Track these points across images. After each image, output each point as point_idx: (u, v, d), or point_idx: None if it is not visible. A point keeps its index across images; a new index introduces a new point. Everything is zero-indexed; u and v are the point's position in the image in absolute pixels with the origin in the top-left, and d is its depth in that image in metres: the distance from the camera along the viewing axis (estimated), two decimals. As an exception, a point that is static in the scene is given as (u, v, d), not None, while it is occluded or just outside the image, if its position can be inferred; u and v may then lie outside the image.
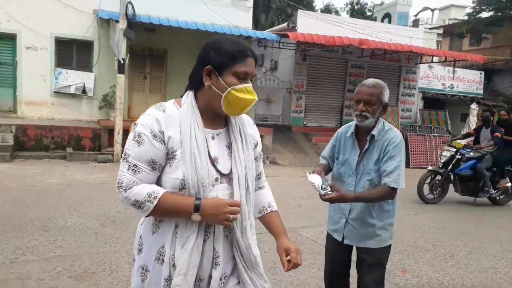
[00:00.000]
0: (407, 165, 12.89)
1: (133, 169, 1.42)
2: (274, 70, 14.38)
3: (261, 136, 12.28)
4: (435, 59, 15.39)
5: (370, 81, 2.41)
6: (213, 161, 1.45)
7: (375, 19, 23.42)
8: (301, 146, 13.36)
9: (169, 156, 1.43)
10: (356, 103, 2.43)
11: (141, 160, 1.41)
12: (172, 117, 1.45)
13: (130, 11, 9.40)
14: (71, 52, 11.38)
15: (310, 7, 27.75)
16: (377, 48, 12.74)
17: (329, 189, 2.28)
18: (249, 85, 1.44)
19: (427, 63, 15.92)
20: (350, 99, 14.72)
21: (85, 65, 11.47)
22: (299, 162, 11.99)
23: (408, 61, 15.62)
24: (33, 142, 9.73)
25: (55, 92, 11.14)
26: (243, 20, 12.68)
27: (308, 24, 13.38)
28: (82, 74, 11.30)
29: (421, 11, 26.83)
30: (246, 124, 1.61)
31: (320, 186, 2.27)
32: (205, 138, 1.46)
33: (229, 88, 1.40)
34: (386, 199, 2.40)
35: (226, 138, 1.53)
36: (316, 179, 2.32)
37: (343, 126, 2.67)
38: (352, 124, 2.54)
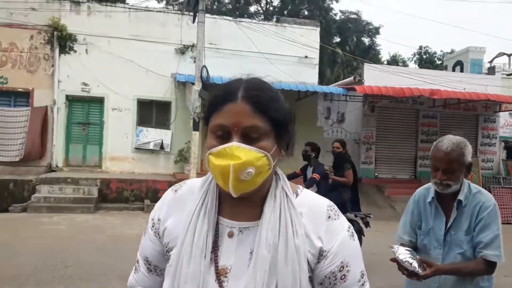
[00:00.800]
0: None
1: (135, 266, 1.15)
2: (341, 122, 14.37)
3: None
4: (516, 106, 14.47)
5: (447, 143, 2.03)
6: (219, 275, 0.95)
7: (445, 68, 22.86)
8: (373, 199, 12.91)
9: (166, 256, 1.03)
10: (433, 170, 2.09)
11: (140, 256, 1.12)
12: (184, 199, 1.05)
13: (204, 74, 10.14)
14: (151, 112, 12.39)
15: (376, 59, 27.86)
16: (450, 98, 12.33)
17: (418, 264, 1.94)
18: (228, 145, 0.91)
19: (507, 110, 14.99)
20: (423, 149, 14.14)
21: (163, 123, 12.37)
22: (373, 216, 11.52)
23: (486, 109, 14.84)
24: (115, 194, 10.47)
25: (135, 148, 12.06)
26: (309, 76, 13.07)
27: (375, 76, 13.40)
28: (160, 131, 12.19)
29: (496, 57, 25.67)
30: (308, 215, 0.99)
31: (410, 263, 1.92)
32: (213, 233, 0.97)
33: (207, 153, 0.97)
34: (483, 274, 2.08)
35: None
36: (404, 253, 1.97)
37: (419, 189, 2.30)
38: (430, 187, 2.20)
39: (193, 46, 11.71)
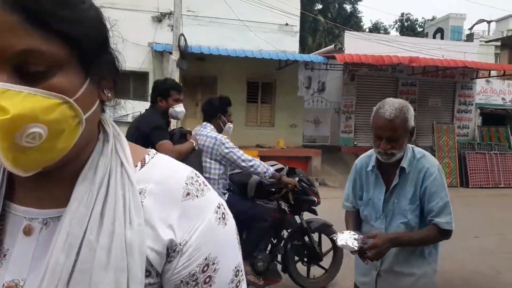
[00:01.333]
0: (466, 185, 12.29)
1: None
2: (322, 92, 14.40)
3: (309, 157, 12.35)
4: (493, 73, 14.70)
5: (389, 110, 1.88)
6: None
7: (426, 35, 22.90)
8: (351, 166, 13.13)
9: None
10: (376, 139, 1.96)
11: None
12: None
13: (182, 43, 9.91)
14: (128, 83, 12.13)
15: (358, 27, 27.68)
16: (428, 65, 12.42)
17: (363, 242, 1.88)
18: None
19: (484, 77, 15.23)
20: (402, 118, 14.39)
21: (141, 95, 12.15)
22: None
23: (463, 76, 15.03)
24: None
25: (114, 121, 11.84)
26: (290, 45, 12.92)
27: (356, 45, 13.34)
28: (138, 103, 11.96)
29: (476, 23, 25.78)
30: (154, 194, 0.66)
31: (352, 244, 1.85)
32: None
33: None
34: (436, 242, 2.01)
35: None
36: (344, 238, 1.89)
37: (361, 156, 2.21)
38: (372, 154, 2.08)
39: (170, 13, 11.37)
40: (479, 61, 13.59)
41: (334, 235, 2.00)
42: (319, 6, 29.16)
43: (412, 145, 2.06)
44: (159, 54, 11.67)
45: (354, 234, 1.92)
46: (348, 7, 30.38)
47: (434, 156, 15.21)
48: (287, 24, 13.10)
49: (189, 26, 10.88)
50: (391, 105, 1.90)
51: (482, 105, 15.70)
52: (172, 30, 10.41)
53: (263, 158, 11.00)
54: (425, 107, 14.65)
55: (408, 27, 33.59)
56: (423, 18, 33.87)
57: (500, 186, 12.07)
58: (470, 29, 23.16)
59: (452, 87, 15.22)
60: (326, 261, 4.02)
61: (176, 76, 9.84)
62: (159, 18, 12.01)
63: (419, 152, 2.03)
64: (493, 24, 28.13)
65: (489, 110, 15.78)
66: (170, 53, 10.13)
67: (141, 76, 12.08)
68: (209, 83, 12.73)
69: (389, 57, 11.65)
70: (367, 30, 30.44)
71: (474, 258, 5.31)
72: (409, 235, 1.96)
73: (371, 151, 2.10)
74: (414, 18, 34.52)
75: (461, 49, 14.97)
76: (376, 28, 33.23)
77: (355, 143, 14.33)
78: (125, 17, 11.53)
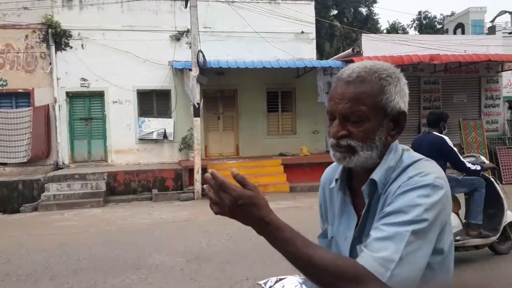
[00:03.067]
0: (499, 182, 11.78)
1: None
2: (343, 96, 14.28)
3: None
4: (519, 64, 14.24)
5: (351, 69, 1.11)
6: None
7: (446, 32, 22.48)
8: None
9: None
10: (330, 122, 1.13)
11: None
12: None
13: (201, 59, 10.08)
14: (152, 102, 12.40)
15: (375, 29, 27.42)
16: (450, 62, 12.17)
17: None
18: None
19: (510, 70, 14.76)
20: (426, 117, 14.09)
21: (164, 112, 12.39)
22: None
23: (488, 70, 14.62)
24: (123, 186, 10.60)
25: (139, 139, 12.13)
26: (307, 52, 12.95)
27: (374, 47, 13.22)
28: (162, 120, 12.22)
29: (497, 15, 25.11)
30: None
31: None
32: None
33: None
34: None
35: None
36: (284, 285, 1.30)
37: (328, 168, 1.31)
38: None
39: (187, 31, 11.62)
40: (504, 54, 13.20)
41: (261, 282, 1.27)
42: (334, 12, 29.07)
43: (405, 147, 1.18)
44: (180, 72, 11.89)
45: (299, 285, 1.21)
46: (363, 10, 30.16)
47: (463, 154, 14.63)
48: (302, 32, 13.14)
49: (206, 42, 11.07)
50: (358, 65, 1.12)
51: (510, 98, 15.21)
52: (190, 47, 10.62)
53: (288, 166, 11.03)
54: (450, 105, 14.30)
55: (426, 25, 33.01)
56: (441, 14, 33.30)
57: (535, 180, 11.59)
58: (492, 21, 22.54)
59: (477, 82, 14.81)
60: None
61: (197, 91, 9.99)
62: (177, 37, 12.29)
63: (410, 158, 1.11)
64: (516, 15, 27.27)
65: (518, 102, 15.27)
66: (190, 69, 10.31)
67: (164, 94, 12.32)
68: (230, 96, 12.86)
69: (409, 57, 11.48)
70: (385, 31, 30.10)
71: (510, 258, 5.12)
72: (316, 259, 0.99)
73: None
74: (432, 16, 33.84)
75: (483, 42, 14.58)
76: (394, 29, 32.80)
77: (381, 145, 14.11)
78: (145, 38, 11.89)
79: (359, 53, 13.02)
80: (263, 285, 1.24)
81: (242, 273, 4.70)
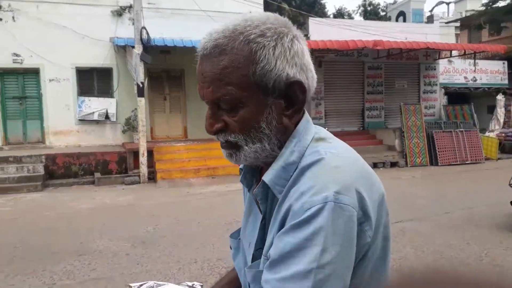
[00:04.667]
0: (436, 163, 12.65)
1: None
2: (291, 79, 14.42)
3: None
4: (454, 53, 15.11)
5: (211, 35, 0.83)
6: None
7: (389, 19, 23.28)
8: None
9: None
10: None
11: None
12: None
13: (144, 35, 9.66)
14: (92, 80, 11.76)
15: (322, 13, 27.77)
16: (392, 48, 12.63)
17: None
18: None
19: (446, 58, 15.64)
20: (370, 101, 14.59)
21: (106, 91, 11.81)
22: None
23: (426, 57, 15.39)
24: (62, 170, 10.04)
25: (79, 120, 11.50)
26: (255, 33, 12.83)
27: (321, 31, 13.41)
28: (103, 100, 11.64)
29: (436, 5, 26.46)
30: None
31: None
32: None
33: None
34: None
35: None
36: None
37: None
38: None
39: (130, 7, 11.07)
40: (441, 42, 13.92)
41: (133, 285, 1.06)
42: (283, -6, 29.05)
43: (319, 132, 0.91)
44: (122, 49, 11.35)
45: None
46: (311, -6, 30.42)
47: (403, 137, 15.46)
48: (250, 13, 12.97)
49: (150, 19, 10.61)
50: (218, 28, 0.84)
51: (446, 84, 16.15)
52: (133, 23, 10.12)
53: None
54: (392, 89, 14.93)
55: (371, 12, 34.02)
56: (384, 1, 34.37)
57: (467, 162, 12.47)
58: (431, 11, 23.71)
59: (417, 69, 15.57)
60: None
61: (140, 69, 9.59)
62: (119, 12, 11.68)
63: (312, 154, 0.82)
64: (452, 6, 28.88)
65: (453, 89, 16.26)
66: (133, 47, 9.86)
67: (105, 72, 11.73)
68: (176, 76, 12.51)
69: (354, 42, 11.76)
70: (331, 16, 30.63)
71: (445, 232, 5.46)
72: None
73: None
74: (377, 3, 34.99)
75: (423, 30, 15.30)
76: (340, 14, 33.48)
77: (326, 128, 14.42)
78: (84, 13, 11.17)
79: (306, 37, 13.13)
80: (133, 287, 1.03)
81: (190, 256, 4.63)
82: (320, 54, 13.69)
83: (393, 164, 11.99)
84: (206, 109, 0.84)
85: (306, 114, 0.89)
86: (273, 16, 0.83)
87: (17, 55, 10.99)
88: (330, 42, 11.55)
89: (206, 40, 0.82)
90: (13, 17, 10.92)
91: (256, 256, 0.87)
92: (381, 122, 14.80)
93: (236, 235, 1.02)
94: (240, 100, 0.79)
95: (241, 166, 0.96)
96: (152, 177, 9.91)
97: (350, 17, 33.24)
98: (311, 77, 0.84)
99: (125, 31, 11.24)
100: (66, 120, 11.40)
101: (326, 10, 31.96)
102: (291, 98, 0.82)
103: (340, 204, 0.71)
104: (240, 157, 0.85)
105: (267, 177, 0.83)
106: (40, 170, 9.67)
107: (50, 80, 11.28)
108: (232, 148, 0.85)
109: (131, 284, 1.00)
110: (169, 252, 4.79)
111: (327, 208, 0.71)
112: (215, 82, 0.79)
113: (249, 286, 0.86)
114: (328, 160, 0.78)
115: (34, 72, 11.24)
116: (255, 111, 0.80)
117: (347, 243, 0.72)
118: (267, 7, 16.40)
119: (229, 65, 0.78)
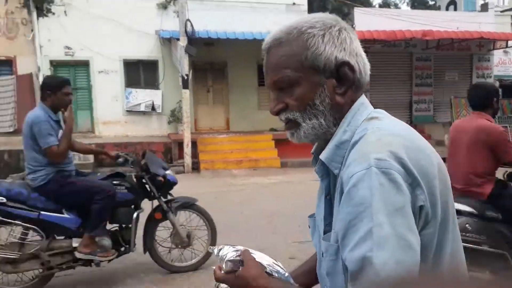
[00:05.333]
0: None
1: None
2: (334, 71, 14.15)
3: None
4: (510, 43, 14.21)
5: (272, 34, 0.97)
6: None
7: (438, 8, 22.25)
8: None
9: None
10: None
11: None
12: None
13: (189, 28, 9.77)
14: (139, 73, 12.08)
15: (367, 3, 27.02)
16: (443, 38, 12.06)
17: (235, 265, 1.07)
18: None
19: (502, 48, 14.73)
20: (418, 93, 14.05)
21: (152, 83, 12.10)
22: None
23: (479, 48, 14.58)
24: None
25: (127, 111, 11.87)
26: (299, 24, 12.67)
27: (367, 21, 13.00)
28: (150, 92, 11.94)
29: (490, -7, 24.95)
30: None
31: (225, 265, 1.08)
32: None
33: None
34: None
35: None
36: (223, 253, 1.11)
37: None
38: None
39: None
40: (496, 32, 13.13)
41: (212, 248, 1.15)
42: (327, -16, 28.52)
43: (374, 113, 0.96)
44: (167, 41, 11.55)
45: (237, 251, 1.10)
46: (356, -17, 29.67)
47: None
48: (294, 4, 12.83)
49: (195, 11, 10.70)
50: (278, 28, 0.97)
51: (501, 77, 15.26)
52: (178, 16, 10.26)
53: (279, 142, 10.94)
54: (441, 82, 14.29)
55: (419, 1, 32.72)
56: (434, -10, 32.86)
57: (522, 159, 11.76)
58: (485, -1, 22.41)
59: (469, 60, 14.79)
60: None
61: (185, 62, 9.73)
62: (164, 5, 11.88)
63: (362, 130, 0.89)
64: (508, -7, 27.17)
65: (509, 81, 15.33)
66: (178, 39, 10.00)
67: (151, 64, 12.00)
68: (219, 68, 12.59)
69: (402, 32, 11.35)
70: (377, 6, 29.73)
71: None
72: None
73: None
74: (425, -8, 33.54)
75: (476, 19, 14.47)
76: (386, 4, 32.44)
77: (371, 121, 14.11)
78: (130, 7, 11.46)
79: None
80: (214, 251, 1.14)
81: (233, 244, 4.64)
82: (366, 45, 13.28)
83: (443, 160, 11.51)
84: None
85: (363, 97, 0.99)
86: (324, 14, 0.97)
87: (68, 47, 11.46)
88: (377, 33, 11.20)
89: (268, 38, 0.97)
90: (64, 12, 11.38)
91: (326, 230, 0.95)
92: (429, 116, 14.22)
93: (313, 215, 1.10)
94: (296, 80, 0.92)
95: (312, 150, 1.04)
96: (195, 167, 10.06)
97: (396, 7, 32.14)
98: (362, 63, 0.95)
99: (170, 23, 11.43)
100: (114, 111, 11.79)
101: (371, 0, 31.10)
102: (341, 77, 0.92)
103: (382, 169, 0.78)
104: (300, 134, 0.96)
105: (323, 155, 0.93)
106: (90, 158, 10.06)
107: (99, 72, 11.69)
108: (293, 127, 0.97)
109: (211, 247, 1.15)
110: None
111: (370, 173, 0.78)
112: (275, 68, 0.94)
113: (323, 255, 0.93)
114: (370, 134, 0.86)
115: (84, 64, 11.68)
116: (310, 90, 0.92)
117: (396, 203, 0.77)
118: (311, -3, 16.14)
119: (285, 53, 0.92)
